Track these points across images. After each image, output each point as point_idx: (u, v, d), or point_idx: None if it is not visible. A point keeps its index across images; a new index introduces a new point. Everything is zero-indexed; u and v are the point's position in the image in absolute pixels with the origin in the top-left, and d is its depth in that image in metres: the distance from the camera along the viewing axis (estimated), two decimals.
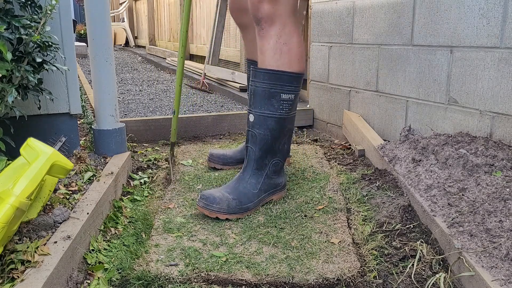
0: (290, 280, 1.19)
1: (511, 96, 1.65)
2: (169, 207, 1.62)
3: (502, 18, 1.65)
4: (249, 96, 1.59)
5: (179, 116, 2.79)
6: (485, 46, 1.73)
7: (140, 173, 1.96)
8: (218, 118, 2.80)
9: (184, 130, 2.70)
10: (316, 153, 2.24)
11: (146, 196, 1.76)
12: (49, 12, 1.40)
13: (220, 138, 2.73)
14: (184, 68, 5.31)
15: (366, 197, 1.67)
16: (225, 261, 1.26)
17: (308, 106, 3.00)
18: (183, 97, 3.79)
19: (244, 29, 1.85)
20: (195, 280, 1.19)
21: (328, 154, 2.29)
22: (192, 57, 6.29)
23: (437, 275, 1.16)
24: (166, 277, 1.19)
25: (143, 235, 1.43)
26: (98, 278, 1.20)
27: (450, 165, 1.51)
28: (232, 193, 1.54)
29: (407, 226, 1.44)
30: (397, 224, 1.45)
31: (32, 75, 1.37)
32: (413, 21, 2.05)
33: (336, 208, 1.59)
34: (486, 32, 1.71)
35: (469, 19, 1.78)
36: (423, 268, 1.24)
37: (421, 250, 1.28)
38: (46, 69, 1.44)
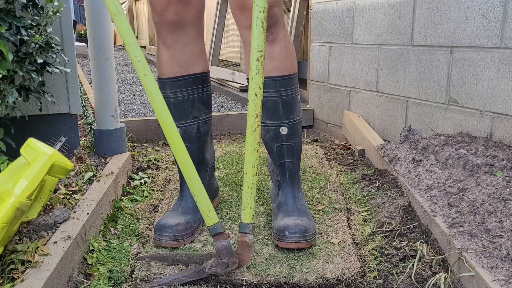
0: (290, 280, 1.19)
1: (511, 96, 1.65)
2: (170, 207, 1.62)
3: (502, 18, 1.65)
4: (276, 108, 1.40)
5: None
6: (485, 46, 1.73)
7: (140, 173, 1.96)
8: (218, 118, 2.80)
9: None
10: (316, 153, 2.24)
11: (146, 197, 1.76)
12: (52, 14, 1.40)
13: (220, 138, 2.73)
14: None
15: (366, 197, 1.67)
16: None
17: (308, 106, 3.00)
18: None
19: (182, 28, 1.39)
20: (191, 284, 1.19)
21: (328, 154, 2.29)
22: None
23: (437, 275, 1.15)
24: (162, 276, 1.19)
25: (144, 235, 1.43)
26: (99, 278, 1.20)
27: (450, 165, 1.51)
28: (304, 215, 1.39)
29: (407, 227, 1.44)
30: (397, 224, 1.45)
31: (36, 75, 1.37)
32: (413, 21, 2.05)
33: (336, 208, 1.60)
34: (486, 33, 1.71)
35: (469, 19, 1.78)
36: (423, 268, 1.24)
37: (421, 251, 1.28)
38: (49, 71, 1.44)
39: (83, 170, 1.66)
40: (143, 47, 9.85)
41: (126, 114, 3.09)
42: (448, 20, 1.87)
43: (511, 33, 1.63)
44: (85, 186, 1.57)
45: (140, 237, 1.43)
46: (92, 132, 1.97)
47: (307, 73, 3.09)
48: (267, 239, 1.39)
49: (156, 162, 2.14)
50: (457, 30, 1.84)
